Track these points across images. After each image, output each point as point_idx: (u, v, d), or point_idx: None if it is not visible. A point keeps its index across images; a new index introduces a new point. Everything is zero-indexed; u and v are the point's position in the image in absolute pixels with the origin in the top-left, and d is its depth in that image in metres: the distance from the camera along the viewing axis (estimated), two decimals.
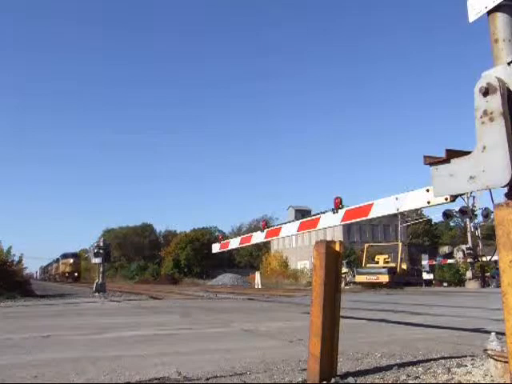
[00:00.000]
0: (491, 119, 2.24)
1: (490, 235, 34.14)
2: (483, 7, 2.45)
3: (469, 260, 28.54)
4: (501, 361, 2.52)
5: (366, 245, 36.10)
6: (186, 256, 67.40)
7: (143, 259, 73.89)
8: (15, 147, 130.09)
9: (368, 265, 31.95)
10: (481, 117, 2.29)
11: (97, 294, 16.71)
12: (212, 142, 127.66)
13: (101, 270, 17.86)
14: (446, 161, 2.52)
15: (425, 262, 36.93)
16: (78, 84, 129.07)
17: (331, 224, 5.34)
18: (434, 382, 2.84)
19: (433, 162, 2.61)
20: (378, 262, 31.76)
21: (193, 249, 67.66)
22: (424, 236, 69.29)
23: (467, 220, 31.32)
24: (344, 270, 30.10)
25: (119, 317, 8.56)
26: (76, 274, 54.09)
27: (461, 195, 2.81)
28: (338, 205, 5.05)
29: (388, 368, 3.25)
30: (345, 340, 3.16)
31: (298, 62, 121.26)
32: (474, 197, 29.56)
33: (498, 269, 21.13)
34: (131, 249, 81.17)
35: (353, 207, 4.89)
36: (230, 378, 3.11)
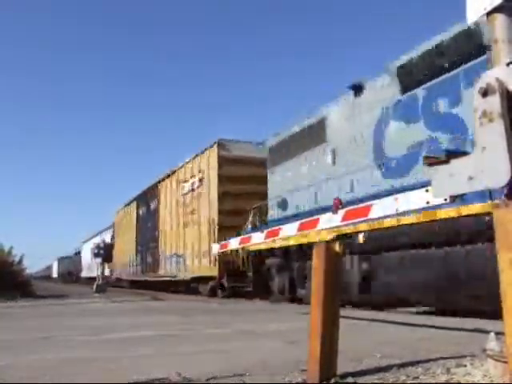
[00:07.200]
0: (490, 120, 2.24)
1: None
2: (482, 8, 2.45)
3: None
4: (500, 361, 2.52)
5: None
6: None
7: None
8: (17, 148, 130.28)
9: None
10: (480, 117, 2.29)
11: (97, 294, 16.72)
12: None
13: (100, 270, 17.89)
14: (446, 161, 2.52)
15: None
16: (78, 85, 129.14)
17: (331, 224, 5.35)
18: (434, 382, 2.85)
19: (432, 162, 2.62)
20: None
21: None
22: None
23: None
24: None
25: (119, 317, 8.57)
26: None
27: (461, 195, 2.81)
28: (338, 205, 5.06)
29: (388, 368, 3.25)
30: (345, 340, 3.16)
31: (298, 62, 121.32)
32: None
33: None
34: None
35: (353, 207, 4.90)
36: (229, 378, 3.11)
